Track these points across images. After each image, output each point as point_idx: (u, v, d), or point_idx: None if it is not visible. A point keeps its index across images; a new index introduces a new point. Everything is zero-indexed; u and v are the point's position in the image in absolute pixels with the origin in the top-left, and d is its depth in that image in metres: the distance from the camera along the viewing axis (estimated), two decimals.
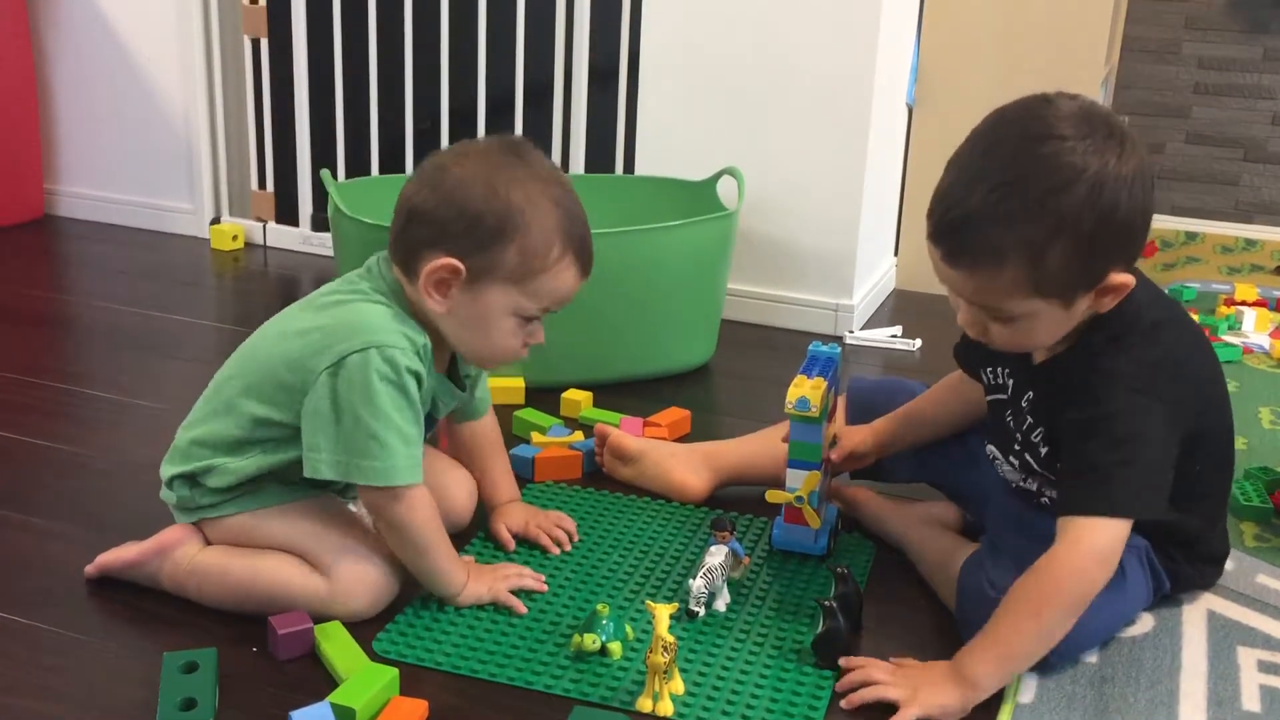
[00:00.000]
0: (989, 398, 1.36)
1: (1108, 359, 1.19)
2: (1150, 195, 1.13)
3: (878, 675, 1.15)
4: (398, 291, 1.26)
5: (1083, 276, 1.13)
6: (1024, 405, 1.28)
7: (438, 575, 1.27)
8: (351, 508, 1.34)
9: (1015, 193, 1.09)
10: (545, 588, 1.33)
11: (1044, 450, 1.26)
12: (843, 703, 1.15)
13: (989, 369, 1.35)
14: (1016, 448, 1.30)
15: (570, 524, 1.45)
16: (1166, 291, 1.29)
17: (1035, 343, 1.21)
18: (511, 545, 1.41)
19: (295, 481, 1.28)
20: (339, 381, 1.19)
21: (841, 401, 1.54)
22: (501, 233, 1.21)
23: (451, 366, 1.34)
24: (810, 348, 1.46)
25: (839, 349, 1.46)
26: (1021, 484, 1.34)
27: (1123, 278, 1.14)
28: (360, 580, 1.24)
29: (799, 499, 1.38)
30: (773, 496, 1.40)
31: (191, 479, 1.29)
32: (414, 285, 1.24)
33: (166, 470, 1.30)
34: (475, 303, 1.23)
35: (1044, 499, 1.31)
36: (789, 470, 1.38)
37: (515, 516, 1.44)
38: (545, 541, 1.41)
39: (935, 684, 1.14)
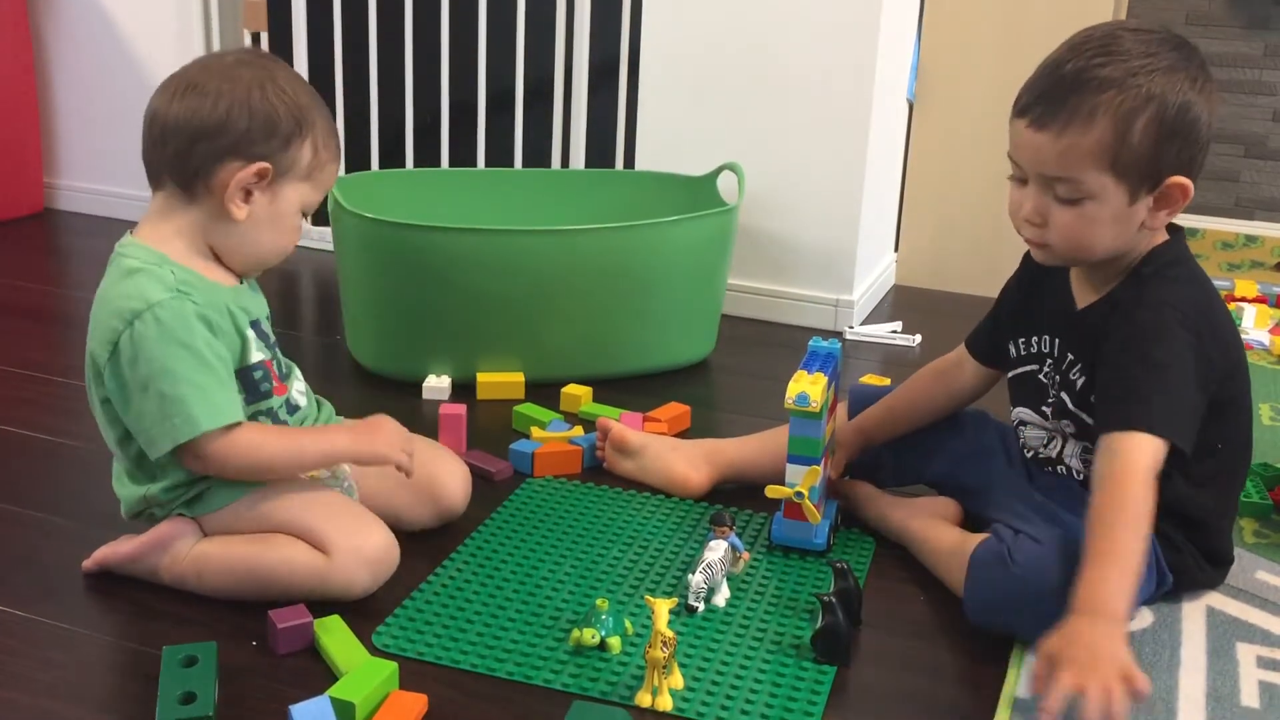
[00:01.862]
0: (1015, 372, 1.40)
1: (1155, 288, 1.26)
2: (1215, 120, 1.22)
3: (1070, 685, 1.04)
4: (145, 247, 1.25)
5: (1154, 163, 1.20)
6: (1067, 353, 1.32)
7: (317, 466, 1.31)
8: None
9: (1111, 62, 1.19)
10: (410, 468, 1.33)
11: (1080, 383, 1.30)
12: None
13: (1021, 340, 1.38)
14: (1051, 396, 1.34)
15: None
16: None
17: (1092, 238, 1.24)
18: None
19: None
20: (120, 364, 1.21)
21: (840, 408, 1.55)
22: (297, 131, 1.25)
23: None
24: (810, 343, 1.46)
25: (839, 344, 1.46)
26: (1043, 449, 1.38)
27: (1181, 180, 1.21)
28: (359, 552, 1.24)
29: (798, 494, 1.37)
30: (772, 491, 1.39)
31: (150, 514, 1.31)
32: (201, 200, 1.24)
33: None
34: (274, 203, 1.27)
35: (1061, 467, 1.36)
36: (789, 465, 1.38)
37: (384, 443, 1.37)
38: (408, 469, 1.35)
39: (1112, 651, 1.07)
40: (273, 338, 1.35)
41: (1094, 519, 1.16)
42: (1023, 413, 1.40)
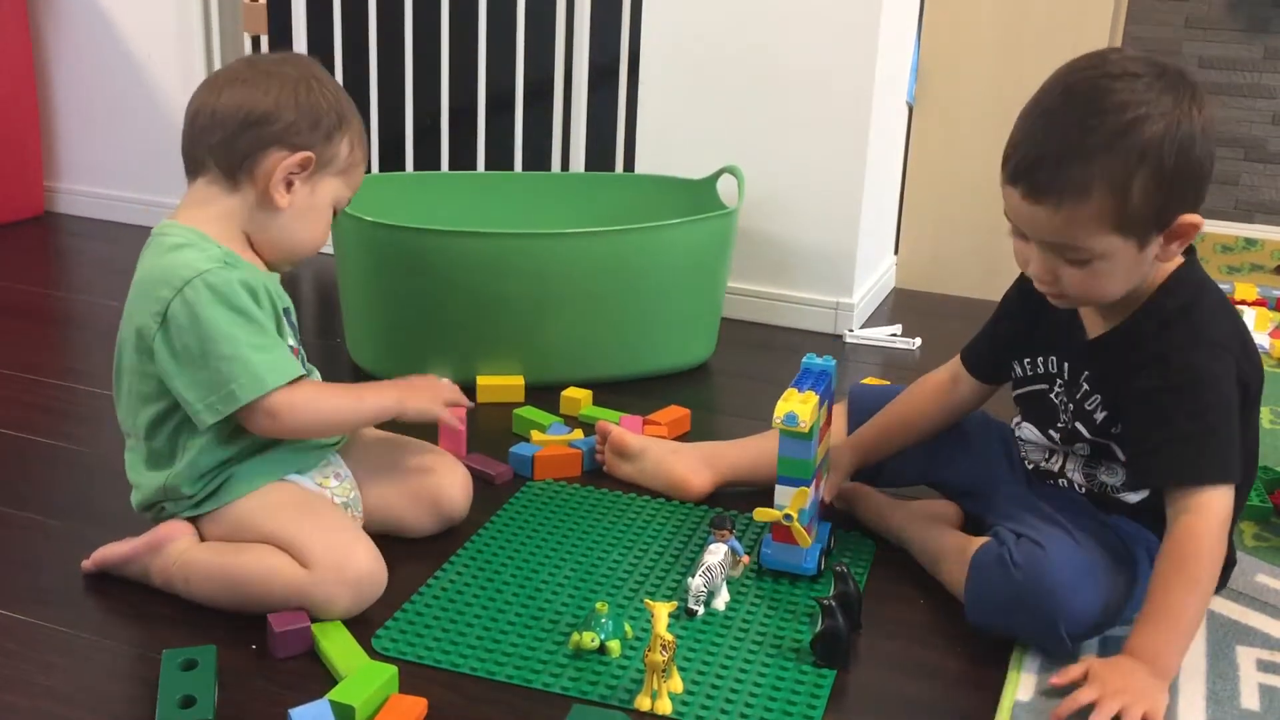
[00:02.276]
0: (1022, 390, 1.37)
1: (1189, 325, 1.21)
2: (1214, 144, 1.15)
3: (1087, 697, 1.12)
4: (187, 228, 1.27)
5: (1160, 212, 1.15)
6: (1081, 381, 1.28)
7: (372, 420, 1.38)
8: (337, 500, 1.34)
9: (1098, 126, 1.12)
10: (467, 401, 1.44)
11: (1100, 416, 1.27)
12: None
13: (1026, 360, 1.35)
14: (1061, 422, 1.31)
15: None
16: None
17: (1106, 290, 1.21)
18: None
19: (261, 446, 1.30)
20: (171, 333, 1.23)
21: (839, 410, 1.54)
22: (339, 126, 1.31)
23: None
24: (804, 360, 1.41)
25: (834, 361, 1.41)
26: (1044, 463, 1.36)
27: (1191, 218, 1.16)
28: (339, 571, 1.22)
29: (787, 517, 1.33)
30: (761, 514, 1.34)
31: (159, 505, 1.31)
32: (243, 187, 1.28)
33: (137, 499, 1.34)
34: (313, 194, 1.31)
35: (1063, 480, 1.34)
36: (778, 487, 1.33)
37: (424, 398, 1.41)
38: (452, 422, 1.42)
39: (1145, 687, 1.13)
40: (299, 333, 1.37)
41: (1155, 573, 1.17)
42: (1027, 430, 1.37)
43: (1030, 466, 1.40)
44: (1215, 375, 1.19)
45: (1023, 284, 1.36)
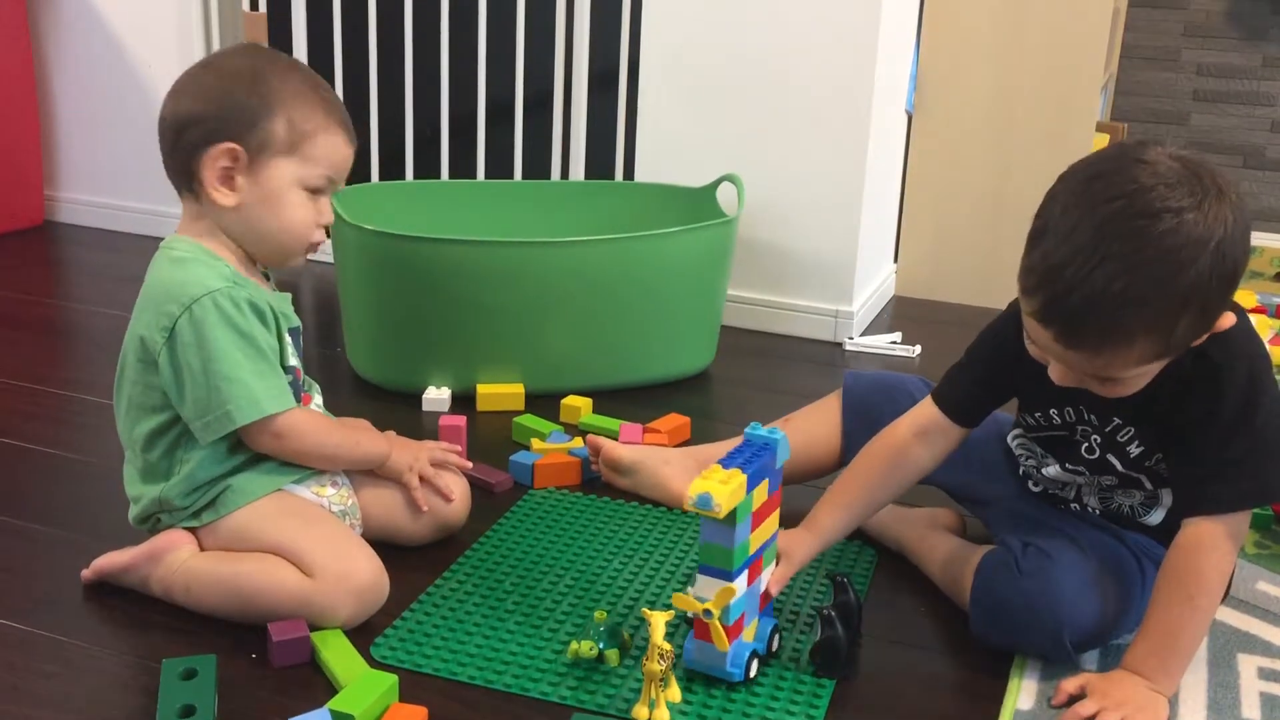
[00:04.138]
0: (1036, 435, 1.31)
1: (1222, 345, 1.14)
2: (1249, 229, 1.07)
3: (1088, 710, 1.14)
4: (194, 243, 1.28)
5: (1202, 331, 1.10)
6: (1113, 417, 1.23)
7: (360, 465, 1.37)
8: (335, 508, 1.34)
9: (1142, 275, 1.02)
10: (469, 464, 1.47)
11: (1136, 450, 1.23)
12: None
13: (1039, 414, 1.29)
14: (1092, 455, 1.27)
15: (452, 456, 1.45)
16: None
17: (1137, 389, 1.14)
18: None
19: (259, 458, 1.30)
20: (176, 348, 1.24)
21: (833, 399, 1.52)
22: (265, 106, 1.25)
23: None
24: (747, 430, 1.20)
25: (780, 434, 1.19)
26: (1056, 491, 1.34)
27: (1228, 318, 1.12)
28: (344, 580, 1.23)
29: (707, 613, 1.13)
30: (679, 602, 1.14)
31: (155, 517, 1.32)
32: (201, 196, 1.27)
33: (134, 512, 1.34)
34: (261, 184, 1.27)
35: (1074, 505, 1.32)
36: (699, 575, 1.14)
37: (407, 455, 1.41)
38: (418, 498, 1.39)
39: (1145, 699, 1.15)
40: (301, 350, 1.37)
41: (1156, 587, 1.17)
42: (1043, 453, 1.33)
43: (1038, 489, 1.36)
44: (1260, 390, 1.15)
45: (1013, 331, 1.21)
